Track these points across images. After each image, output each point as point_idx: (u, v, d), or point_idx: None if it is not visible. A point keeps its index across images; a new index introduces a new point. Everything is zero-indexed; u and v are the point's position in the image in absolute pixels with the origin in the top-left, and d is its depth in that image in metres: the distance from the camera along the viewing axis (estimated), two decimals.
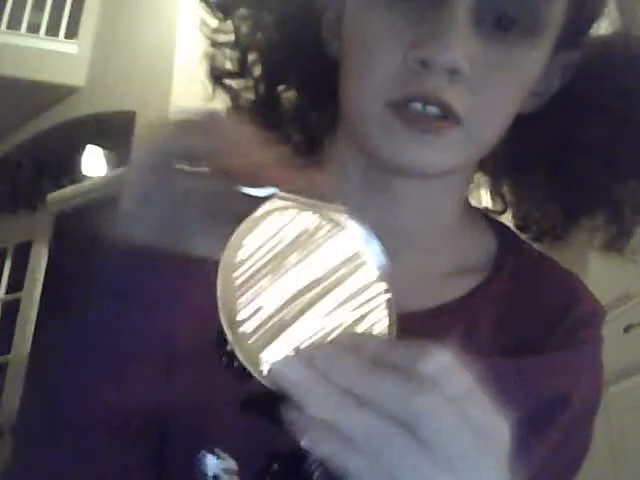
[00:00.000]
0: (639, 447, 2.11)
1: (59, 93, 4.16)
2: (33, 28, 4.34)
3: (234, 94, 0.59)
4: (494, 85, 0.46)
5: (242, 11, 0.56)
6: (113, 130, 4.05)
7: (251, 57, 0.57)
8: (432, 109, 0.44)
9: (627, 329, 2.17)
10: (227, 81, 0.59)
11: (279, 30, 0.56)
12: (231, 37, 0.57)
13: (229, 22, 0.57)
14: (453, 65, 0.43)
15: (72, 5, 4.41)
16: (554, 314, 0.51)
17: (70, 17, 4.38)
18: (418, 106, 0.44)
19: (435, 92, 0.44)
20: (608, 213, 0.55)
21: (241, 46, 0.57)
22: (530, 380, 0.47)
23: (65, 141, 4.22)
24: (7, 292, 4.24)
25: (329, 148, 0.55)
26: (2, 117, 4.22)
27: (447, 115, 0.44)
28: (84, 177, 4.22)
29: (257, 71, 0.57)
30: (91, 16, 4.36)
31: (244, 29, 0.56)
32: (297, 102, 0.59)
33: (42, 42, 4.28)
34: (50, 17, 4.37)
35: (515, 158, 0.54)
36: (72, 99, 4.16)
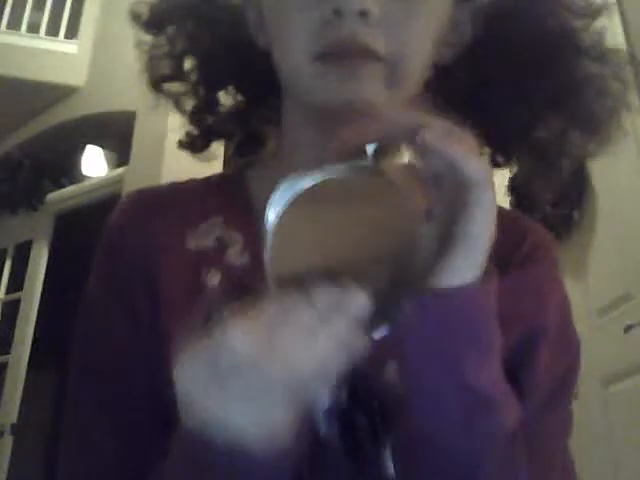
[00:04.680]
0: (639, 447, 2.11)
1: (59, 93, 4.15)
2: (33, 28, 4.34)
3: (175, 99, 0.63)
4: (404, 24, 0.51)
5: (171, 26, 0.62)
6: (113, 130, 4.05)
7: (187, 63, 0.62)
8: (351, 51, 0.49)
9: (627, 329, 2.17)
10: (167, 88, 0.63)
11: (209, 39, 0.61)
12: (166, 49, 0.62)
13: (162, 37, 0.62)
14: (362, 7, 0.48)
15: (72, 5, 4.41)
16: (508, 248, 0.53)
17: (70, 17, 4.38)
18: (339, 51, 0.50)
19: (352, 36, 0.49)
20: (532, 152, 0.60)
21: (176, 54, 0.62)
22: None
23: (65, 141, 4.22)
24: (7, 292, 4.24)
25: (277, 137, 0.60)
26: (2, 117, 4.22)
27: (366, 54, 0.50)
28: (84, 177, 4.22)
29: (195, 76, 0.62)
30: (91, 16, 4.36)
31: (177, 41, 0.62)
32: (238, 102, 0.64)
33: (42, 42, 4.28)
34: (50, 17, 4.36)
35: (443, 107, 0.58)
36: (72, 99, 4.15)
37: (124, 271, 0.56)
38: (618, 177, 2.35)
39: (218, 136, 0.65)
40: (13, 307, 4.06)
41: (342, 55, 0.50)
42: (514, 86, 0.57)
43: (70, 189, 4.23)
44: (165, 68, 0.63)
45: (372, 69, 0.50)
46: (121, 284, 0.56)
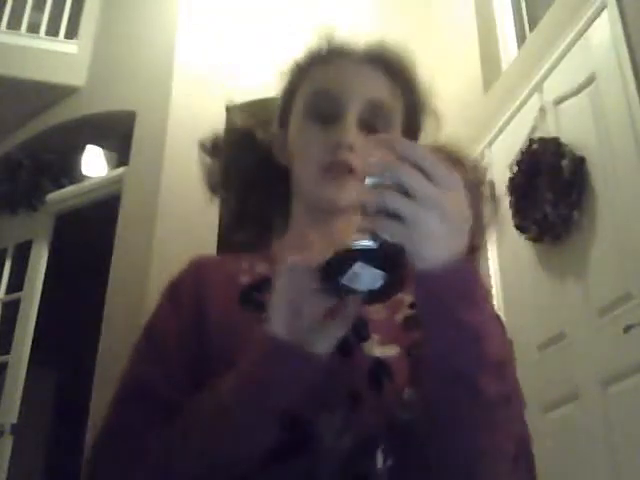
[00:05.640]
0: (639, 447, 2.11)
1: (59, 93, 4.16)
2: (33, 28, 4.34)
3: (222, 196, 0.97)
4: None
5: (222, 152, 0.96)
6: (113, 130, 4.05)
7: (229, 178, 0.96)
8: (342, 170, 0.82)
9: (627, 329, 2.17)
10: (217, 189, 0.97)
11: (245, 160, 0.96)
12: (217, 166, 0.96)
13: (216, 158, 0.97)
14: (350, 143, 0.82)
15: (72, 5, 4.41)
16: None
17: (70, 17, 4.38)
18: (336, 168, 0.83)
19: (344, 160, 0.82)
20: None
21: (223, 169, 0.96)
22: None
23: (65, 141, 4.22)
24: (7, 292, 4.23)
25: (284, 223, 0.92)
26: (2, 117, 4.23)
27: (350, 172, 0.82)
28: (84, 177, 4.22)
29: (236, 183, 0.96)
30: (91, 16, 4.37)
31: (225, 161, 0.96)
32: (260, 199, 0.96)
33: (42, 42, 4.28)
34: (50, 17, 4.37)
35: None
36: (72, 99, 4.16)
37: (182, 297, 0.82)
38: (618, 177, 2.35)
39: (247, 220, 0.96)
40: (13, 307, 4.06)
41: (337, 172, 0.82)
42: None
43: (70, 189, 4.23)
44: (216, 177, 0.96)
45: (352, 182, 0.81)
46: (180, 305, 0.82)
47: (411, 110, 0.92)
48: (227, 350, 0.73)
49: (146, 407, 0.74)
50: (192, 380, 0.74)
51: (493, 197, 0.91)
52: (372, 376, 0.73)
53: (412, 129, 0.92)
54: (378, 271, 0.61)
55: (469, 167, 0.90)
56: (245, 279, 0.82)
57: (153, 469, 0.69)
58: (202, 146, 0.96)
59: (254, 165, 0.95)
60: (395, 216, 0.57)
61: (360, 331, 0.75)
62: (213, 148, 0.96)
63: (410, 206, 0.57)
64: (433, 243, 0.58)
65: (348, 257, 0.61)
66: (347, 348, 0.74)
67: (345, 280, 0.62)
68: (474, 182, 0.88)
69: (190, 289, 0.83)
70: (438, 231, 0.57)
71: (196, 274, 0.85)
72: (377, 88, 0.88)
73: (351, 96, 0.85)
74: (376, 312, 0.79)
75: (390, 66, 0.90)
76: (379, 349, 0.75)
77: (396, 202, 0.57)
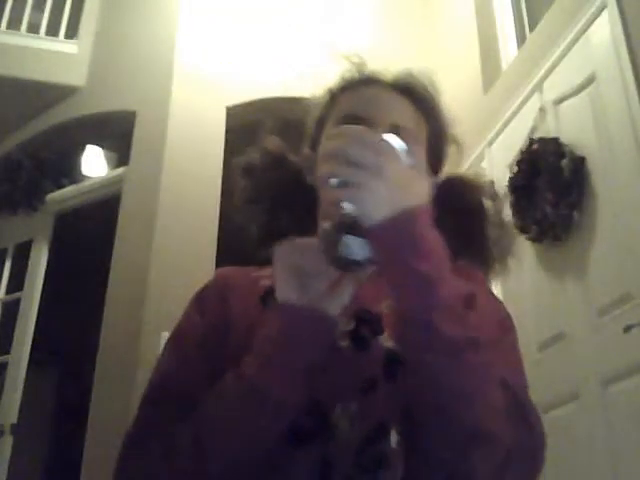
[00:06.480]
0: (639, 447, 2.11)
1: (59, 93, 4.16)
2: (33, 28, 4.34)
3: (253, 212, 1.01)
4: None
5: (255, 173, 1.01)
6: (113, 130, 4.05)
7: (261, 197, 1.01)
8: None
9: (627, 329, 2.17)
10: (248, 206, 1.01)
11: (275, 181, 1.01)
12: (249, 185, 1.01)
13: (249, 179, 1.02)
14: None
15: (72, 5, 4.41)
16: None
17: (70, 17, 4.38)
18: None
19: None
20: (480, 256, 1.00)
21: (255, 188, 1.01)
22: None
23: (65, 141, 4.22)
24: (7, 292, 4.23)
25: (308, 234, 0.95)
26: (2, 117, 4.23)
27: None
28: (84, 177, 4.22)
29: (266, 201, 1.00)
30: (91, 16, 4.36)
31: (257, 180, 1.01)
32: (288, 221, 1.00)
33: (42, 42, 4.28)
34: (50, 17, 4.37)
35: None
36: (72, 99, 4.16)
37: (207, 306, 0.89)
38: (618, 177, 2.35)
39: (274, 233, 0.98)
40: (13, 307, 4.06)
41: None
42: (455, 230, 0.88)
43: (70, 189, 4.23)
44: (248, 195, 1.01)
45: None
46: (204, 313, 0.88)
47: (435, 138, 0.97)
48: (248, 348, 0.77)
49: (173, 406, 0.79)
50: (215, 381, 0.78)
51: (505, 225, 1.02)
52: (386, 365, 0.78)
53: (436, 155, 0.97)
54: (363, 239, 0.67)
55: (487, 193, 1.00)
56: (266, 282, 0.88)
57: (182, 464, 0.73)
58: (236, 167, 1.03)
59: (285, 186, 1.01)
60: (348, 184, 0.67)
61: (375, 326, 0.81)
62: (247, 169, 1.03)
63: (356, 173, 0.66)
64: (378, 202, 0.66)
65: (335, 231, 0.68)
66: (364, 344, 0.80)
67: (341, 253, 0.68)
68: (494, 207, 0.99)
69: (215, 298, 0.89)
70: (381, 192, 0.66)
71: (221, 284, 0.91)
72: (402, 114, 0.93)
73: (375, 119, 0.90)
74: (387, 308, 0.84)
75: (416, 95, 0.96)
76: (393, 342, 0.80)
77: (346, 171, 0.66)
